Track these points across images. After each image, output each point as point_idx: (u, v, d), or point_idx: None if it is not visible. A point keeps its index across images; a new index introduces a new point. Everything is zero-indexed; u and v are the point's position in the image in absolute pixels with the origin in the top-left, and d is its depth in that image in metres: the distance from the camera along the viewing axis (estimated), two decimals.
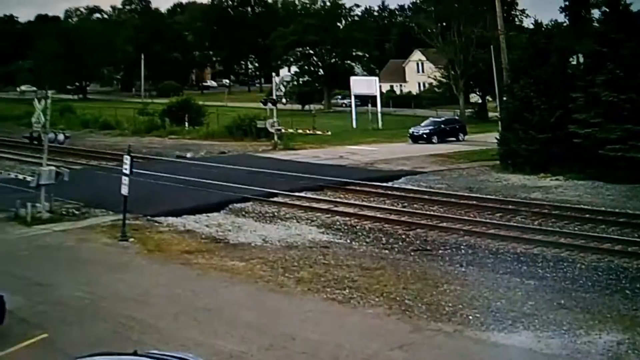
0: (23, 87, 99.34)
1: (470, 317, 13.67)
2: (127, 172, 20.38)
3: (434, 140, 44.18)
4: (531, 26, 35.22)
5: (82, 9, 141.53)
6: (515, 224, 21.69)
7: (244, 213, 23.82)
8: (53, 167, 23.68)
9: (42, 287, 15.84)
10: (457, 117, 55.43)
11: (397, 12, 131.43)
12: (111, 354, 9.82)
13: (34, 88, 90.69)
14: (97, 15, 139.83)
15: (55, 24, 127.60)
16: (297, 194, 26.70)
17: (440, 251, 18.95)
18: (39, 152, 26.73)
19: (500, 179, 29.92)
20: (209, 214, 23.39)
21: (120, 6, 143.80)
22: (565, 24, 57.94)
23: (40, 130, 24.15)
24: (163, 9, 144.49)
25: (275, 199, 25.86)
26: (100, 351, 10.65)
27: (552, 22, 56.81)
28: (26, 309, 14.25)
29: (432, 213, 23.52)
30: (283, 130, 44.01)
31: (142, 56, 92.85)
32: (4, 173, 29.72)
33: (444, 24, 63.70)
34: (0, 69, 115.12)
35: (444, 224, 21.66)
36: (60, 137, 25.09)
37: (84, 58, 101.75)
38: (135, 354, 9.14)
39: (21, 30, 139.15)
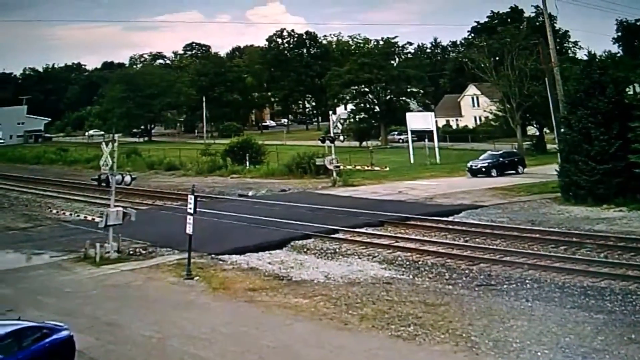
0: (91, 132, 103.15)
1: (539, 354, 13.39)
2: (192, 211, 20.85)
3: (493, 174, 43.66)
4: (584, 57, 34.83)
5: (145, 56, 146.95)
6: (580, 257, 21.21)
7: (305, 250, 23.98)
8: (120, 208, 24.33)
9: (111, 326, 16.23)
10: (515, 150, 54.72)
11: (449, 48, 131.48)
12: None
13: (102, 132, 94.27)
14: (160, 61, 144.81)
15: (121, 70, 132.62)
16: (357, 230, 26.75)
17: (505, 286, 18.63)
18: (107, 193, 27.65)
19: (563, 211, 29.33)
20: (271, 252, 23.61)
21: (181, 51, 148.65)
22: (618, 54, 57.12)
23: (107, 173, 24.89)
24: (222, 53, 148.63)
25: (336, 235, 25.95)
26: None
27: (606, 53, 56.09)
28: (96, 348, 14.64)
29: (495, 247, 23.17)
30: (341, 167, 44.26)
31: (204, 99, 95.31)
32: (74, 215, 30.69)
33: (497, 57, 63.45)
34: (70, 114, 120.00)
35: (508, 258, 21.31)
36: (127, 178, 25.74)
37: (149, 102, 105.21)
38: None
39: (89, 77, 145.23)
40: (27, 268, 22.74)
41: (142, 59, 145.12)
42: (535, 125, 67.16)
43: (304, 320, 16.18)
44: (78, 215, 30.12)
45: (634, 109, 30.12)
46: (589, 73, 31.78)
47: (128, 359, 14.13)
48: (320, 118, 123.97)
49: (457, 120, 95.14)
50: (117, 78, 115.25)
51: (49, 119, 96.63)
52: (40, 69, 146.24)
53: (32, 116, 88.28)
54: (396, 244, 24.10)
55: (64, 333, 13.40)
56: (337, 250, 23.70)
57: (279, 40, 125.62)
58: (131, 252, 24.24)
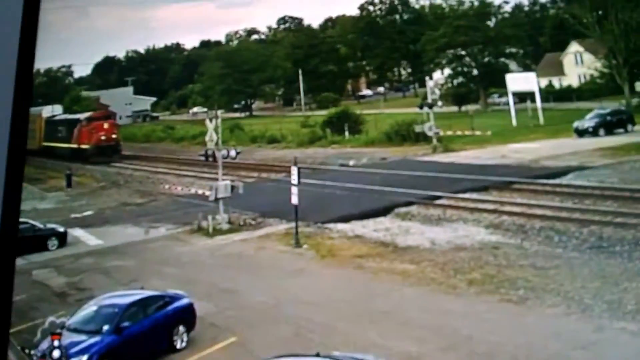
0: (195, 109, 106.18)
1: None
2: (296, 182, 21.43)
3: (600, 133, 41.82)
4: None
5: (240, 32, 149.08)
6: None
7: (409, 217, 24.08)
8: (228, 182, 25.27)
9: (227, 293, 17.10)
10: (623, 108, 52.14)
11: (548, 5, 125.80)
12: (296, 356, 10.51)
13: (205, 109, 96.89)
14: (255, 36, 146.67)
15: (218, 47, 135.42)
16: (461, 195, 26.52)
17: (617, 248, 18.14)
18: (214, 168, 28.70)
19: None
20: (375, 219, 23.81)
21: (275, 26, 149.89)
22: None
23: (213, 148, 25.86)
24: (315, 25, 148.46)
25: (439, 201, 25.82)
26: (285, 353, 11.48)
27: None
28: (215, 314, 15.50)
29: (605, 209, 22.39)
30: (441, 133, 43.74)
31: (300, 71, 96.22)
32: (185, 189, 32.04)
33: (600, 11, 60.30)
34: (174, 93, 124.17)
35: (620, 220, 20.60)
36: (232, 152, 26.57)
37: (247, 77, 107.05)
38: (317, 355, 9.72)
39: (188, 56, 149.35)
40: (146, 241, 24.07)
41: (238, 36, 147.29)
42: None
43: (412, 286, 16.48)
44: (189, 190, 31.41)
45: None
46: None
47: (246, 324, 14.85)
48: (417, 85, 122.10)
49: (559, 79, 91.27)
50: (215, 56, 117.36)
51: (155, 99, 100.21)
52: (142, 51, 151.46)
53: (138, 96, 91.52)
54: (502, 209, 23.76)
55: (185, 301, 14.26)
56: (442, 216, 23.68)
57: (371, 8, 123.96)
58: (241, 223, 25.08)
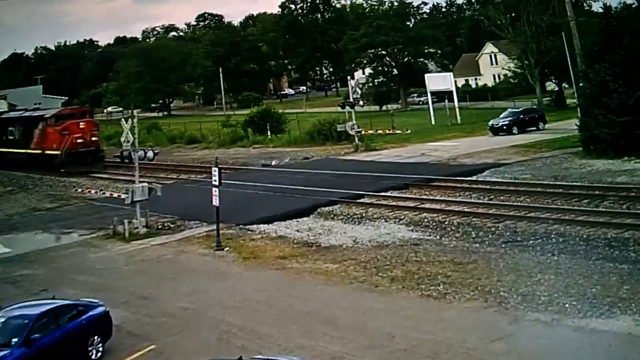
0: (110, 109, 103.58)
1: (567, 305, 13.59)
2: (217, 183, 21.12)
3: (514, 131, 43.40)
4: (600, 10, 34.16)
5: (158, 29, 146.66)
6: (603, 209, 21.29)
7: (332, 216, 24.22)
8: (145, 184, 24.68)
9: (145, 299, 16.67)
10: (535, 107, 54.22)
11: (465, 6, 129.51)
12: None
13: (120, 108, 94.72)
14: (173, 33, 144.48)
15: (134, 44, 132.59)
16: (383, 193, 26.91)
17: (531, 241, 18.76)
18: (131, 170, 28.08)
19: (584, 165, 29.26)
20: (298, 219, 23.89)
21: (194, 23, 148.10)
22: (634, 5, 55.73)
23: (129, 149, 25.18)
24: (236, 22, 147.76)
25: (361, 200, 26.15)
26: (208, 359, 11.24)
27: (622, 5, 54.87)
28: (132, 322, 15.06)
29: (519, 204, 23.25)
30: (363, 132, 44.23)
31: (220, 70, 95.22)
32: (99, 193, 31.13)
33: (513, 14, 62.49)
34: (87, 92, 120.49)
35: (532, 214, 21.40)
36: (150, 154, 26.00)
37: (165, 76, 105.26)
38: (240, 359, 9.57)
39: (102, 53, 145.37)
40: (57, 247, 23.31)
41: (155, 32, 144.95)
42: (554, 81, 66.37)
43: (335, 285, 16.49)
44: (104, 193, 30.55)
45: None
46: (606, 26, 31.46)
47: (165, 330, 14.49)
48: (338, 84, 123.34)
49: (476, 79, 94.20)
50: (131, 53, 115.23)
51: (66, 98, 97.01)
52: (53, 48, 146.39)
53: (48, 96, 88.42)
54: (422, 206, 24.25)
55: (100, 309, 13.73)
56: (364, 214, 23.91)
57: (292, 6, 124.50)
58: (160, 227, 24.67)
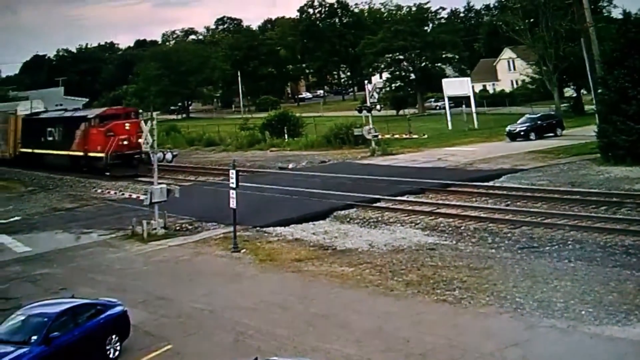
0: None
1: (583, 312, 13.55)
2: (234, 185, 21.25)
3: (531, 137, 43.25)
4: (620, 16, 34.11)
5: (177, 32, 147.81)
6: (621, 216, 21.17)
7: (348, 219, 24.27)
8: (164, 185, 24.85)
9: (163, 300, 16.77)
10: (553, 112, 53.97)
11: (483, 12, 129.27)
12: None
13: (140, 111, 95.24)
14: (193, 36, 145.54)
15: (154, 47, 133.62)
16: (399, 198, 26.94)
17: (547, 247, 18.70)
18: (150, 171, 28.23)
19: (602, 171, 29.10)
20: (315, 222, 23.97)
21: (213, 26, 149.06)
22: None
23: (149, 150, 25.39)
24: (254, 26, 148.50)
25: (378, 204, 26.17)
26: None
27: None
28: (150, 322, 15.18)
29: (536, 210, 23.16)
30: (380, 136, 44.28)
31: (239, 73, 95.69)
32: (119, 193, 31.41)
33: (532, 19, 62.25)
34: (107, 94, 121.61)
35: (549, 220, 21.32)
36: (169, 155, 26.28)
37: (184, 79, 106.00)
38: None
39: (122, 56, 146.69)
40: (76, 247, 23.50)
41: (175, 36, 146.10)
42: (572, 87, 66.00)
43: (350, 288, 16.52)
44: (123, 194, 30.82)
45: None
46: (625, 32, 31.32)
47: (182, 331, 14.59)
48: (356, 88, 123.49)
49: (493, 84, 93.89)
50: (150, 56, 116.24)
51: (87, 99, 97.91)
52: (74, 50, 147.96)
53: (69, 97, 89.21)
54: (438, 211, 24.24)
55: (118, 308, 13.87)
56: (380, 218, 23.94)
57: (310, 11, 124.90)
58: (177, 228, 24.83)
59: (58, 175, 42.21)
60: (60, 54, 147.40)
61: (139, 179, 36.89)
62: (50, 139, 45.05)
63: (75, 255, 22.37)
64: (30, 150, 47.25)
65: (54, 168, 43.29)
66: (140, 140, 39.38)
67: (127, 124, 39.39)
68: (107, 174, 38.86)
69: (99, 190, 34.15)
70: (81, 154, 41.03)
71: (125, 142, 38.66)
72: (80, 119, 42.50)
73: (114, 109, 45.14)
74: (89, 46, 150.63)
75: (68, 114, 46.86)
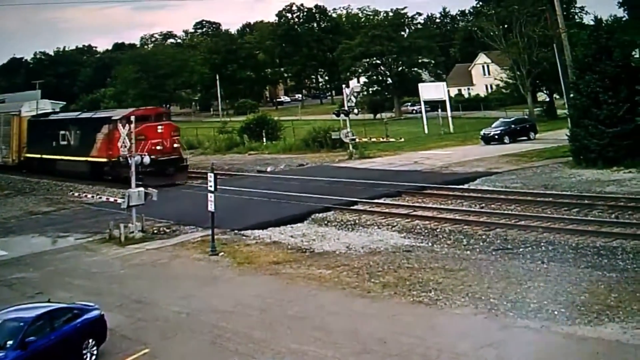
0: None
1: (556, 313, 13.78)
2: (212, 188, 21.27)
3: (505, 141, 43.80)
4: (591, 22, 34.71)
5: (156, 35, 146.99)
6: (592, 218, 21.56)
7: (326, 222, 24.39)
8: (142, 188, 24.76)
9: (140, 304, 16.72)
10: (526, 117, 54.73)
11: (458, 18, 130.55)
12: None
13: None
14: (171, 40, 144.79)
15: (132, 51, 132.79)
16: (376, 200, 27.13)
17: (521, 249, 18.98)
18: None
19: (574, 174, 29.61)
20: (292, 225, 24.06)
21: (192, 30, 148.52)
22: (624, 18, 56.59)
23: (126, 154, 25.29)
24: (233, 30, 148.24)
25: (355, 207, 26.36)
26: None
27: (612, 18, 55.75)
28: (127, 325, 15.12)
29: (510, 212, 23.51)
30: (357, 140, 44.53)
31: (217, 77, 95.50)
32: (96, 197, 31.23)
33: (506, 25, 63.14)
34: (85, 97, 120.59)
35: (523, 222, 21.64)
36: (146, 159, 26.09)
37: (162, 82, 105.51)
38: None
39: (100, 59, 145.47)
40: (53, 251, 23.33)
41: (153, 39, 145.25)
42: (545, 92, 66.96)
43: (328, 290, 16.62)
44: (100, 197, 30.64)
45: None
46: (596, 38, 31.90)
47: (159, 334, 14.56)
48: (333, 92, 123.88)
49: (468, 89, 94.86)
50: (129, 59, 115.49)
51: (64, 103, 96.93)
52: (51, 53, 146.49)
53: (46, 100, 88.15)
54: (414, 213, 24.47)
55: (95, 312, 13.81)
56: (357, 221, 24.10)
57: (289, 15, 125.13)
58: (155, 231, 24.77)
59: (34, 179, 41.81)
60: (38, 56, 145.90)
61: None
62: (64, 143, 40.51)
63: (51, 259, 22.21)
64: (38, 156, 43.16)
65: (68, 175, 39.37)
66: (175, 144, 36.27)
67: (159, 127, 35.75)
68: (139, 183, 30.62)
69: (76, 194, 33.87)
70: (104, 160, 36.63)
71: (158, 147, 34.76)
72: (103, 120, 38.16)
73: (143, 110, 39.67)
74: (66, 49, 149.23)
75: (86, 114, 42.60)
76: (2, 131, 48.11)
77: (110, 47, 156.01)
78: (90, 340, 13.32)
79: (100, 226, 25.89)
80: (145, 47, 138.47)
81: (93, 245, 23.74)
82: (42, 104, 51.14)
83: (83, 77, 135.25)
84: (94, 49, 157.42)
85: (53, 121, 43.91)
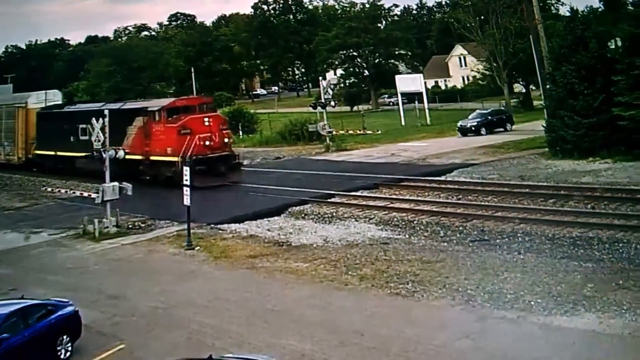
0: None
1: (533, 303, 13.87)
2: (188, 183, 21.08)
3: (482, 132, 44.03)
4: (567, 13, 34.98)
5: (130, 28, 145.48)
6: (569, 209, 21.73)
7: (303, 215, 24.34)
8: (116, 183, 24.49)
9: (115, 299, 16.61)
10: (503, 108, 55.03)
11: (435, 9, 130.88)
12: None
13: None
14: (145, 32, 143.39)
15: (106, 44, 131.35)
16: (353, 193, 27.11)
17: (497, 240, 19.08)
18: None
19: (550, 165, 29.84)
20: (269, 219, 23.97)
21: (166, 22, 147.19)
22: (600, 9, 57.22)
23: (100, 148, 24.99)
24: (208, 22, 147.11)
25: (332, 199, 26.32)
26: (176, 358, 11.27)
27: (588, 9, 56.23)
28: (102, 321, 15.00)
29: (486, 204, 23.63)
30: (334, 132, 44.46)
31: (192, 69, 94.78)
32: (70, 192, 30.85)
33: (482, 17, 63.43)
34: (58, 90, 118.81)
35: (500, 214, 21.76)
36: (121, 153, 25.75)
37: (136, 75, 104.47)
38: (210, 358, 9.61)
39: (73, 52, 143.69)
40: (26, 247, 23.10)
41: (127, 32, 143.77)
42: (521, 83, 67.43)
43: (306, 284, 16.60)
44: (74, 192, 30.26)
45: (616, 62, 30.46)
46: (572, 29, 32.10)
47: (135, 330, 14.47)
48: (310, 84, 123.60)
49: (445, 80, 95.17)
50: (102, 52, 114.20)
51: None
52: (23, 46, 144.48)
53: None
54: (391, 205, 24.49)
55: (69, 308, 13.66)
56: (334, 214, 24.07)
57: (265, 7, 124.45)
58: (130, 226, 24.57)
59: (7, 174, 41.17)
60: (9, 50, 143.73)
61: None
62: (85, 138, 32.94)
63: (25, 255, 21.96)
64: (51, 153, 38.73)
65: (90, 175, 31.99)
66: (226, 139, 31.18)
67: (206, 119, 31.08)
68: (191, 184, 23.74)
69: (49, 189, 33.45)
70: (139, 157, 32.03)
71: (207, 142, 30.31)
72: (135, 112, 33.44)
73: (185, 99, 35.32)
74: (39, 42, 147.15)
75: (113, 105, 35.29)
76: (3, 125, 43.42)
77: (83, 41, 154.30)
78: (65, 337, 13.19)
79: (74, 221, 25.62)
80: (119, 40, 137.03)
81: (67, 240, 23.50)
82: (52, 94, 45.19)
83: (56, 70, 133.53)
84: (66, 42, 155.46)
85: (70, 113, 38.89)
